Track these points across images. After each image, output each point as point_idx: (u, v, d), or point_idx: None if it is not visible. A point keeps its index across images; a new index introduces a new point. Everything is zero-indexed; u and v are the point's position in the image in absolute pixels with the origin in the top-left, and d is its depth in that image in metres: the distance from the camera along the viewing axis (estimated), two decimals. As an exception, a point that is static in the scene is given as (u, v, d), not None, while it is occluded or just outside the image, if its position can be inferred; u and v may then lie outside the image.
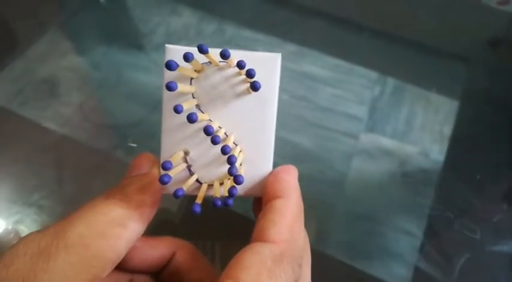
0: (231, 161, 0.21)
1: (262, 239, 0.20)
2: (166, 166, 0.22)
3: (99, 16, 0.63)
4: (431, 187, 0.48)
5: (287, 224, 0.21)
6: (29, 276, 0.18)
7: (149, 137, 0.49)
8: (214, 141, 0.21)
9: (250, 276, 0.18)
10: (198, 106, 0.24)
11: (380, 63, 0.61)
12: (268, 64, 0.24)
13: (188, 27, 0.61)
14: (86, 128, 0.49)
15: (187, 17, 0.63)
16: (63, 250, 0.19)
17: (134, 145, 0.48)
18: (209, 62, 0.24)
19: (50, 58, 0.56)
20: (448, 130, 0.54)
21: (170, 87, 0.21)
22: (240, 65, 0.22)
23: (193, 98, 0.24)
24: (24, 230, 0.41)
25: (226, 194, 0.23)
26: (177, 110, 0.21)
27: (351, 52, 0.62)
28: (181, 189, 0.23)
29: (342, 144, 0.51)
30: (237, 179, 0.22)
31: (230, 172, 0.22)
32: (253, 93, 0.24)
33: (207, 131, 0.21)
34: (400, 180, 0.49)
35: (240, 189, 0.25)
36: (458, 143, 0.53)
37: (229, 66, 0.24)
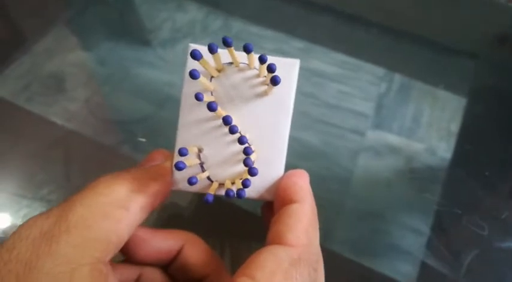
0: (246, 152, 0.22)
1: (279, 242, 0.20)
2: (182, 152, 0.22)
3: (105, 12, 0.63)
4: (439, 184, 0.48)
5: (303, 228, 0.21)
6: (31, 259, 0.17)
7: (156, 133, 0.49)
8: (232, 131, 0.21)
9: (266, 275, 0.18)
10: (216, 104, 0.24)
11: (387, 59, 0.61)
12: (287, 69, 0.25)
13: (194, 22, 0.61)
14: (93, 124, 0.49)
15: (193, 13, 0.63)
16: (65, 233, 0.18)
17: (143, 140, 0.48)
18: (230, 62, 0.24)
19: (57, 54, 0.56)
20: (455, 127, 0.54)
21: (193, 74, 0.21)
22: (262, 59, 0.22)
23: (212, 95, 0.25)
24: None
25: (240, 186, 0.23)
26: (198, 97, 0.21)
27: (358, 48, 0.62)
28: (194, 177, 0.22)
29: (349, 141, 0.51)
30: (252, 171, 0.22)
31: (245, 163, 0.22)
32: (271, 96, 0.24)
33: (226, 120, 0.21)
34: (407, 177, 0.49)
35: (250, 192, 0.25)
36: (465, 140, 0.53)
37: (249, 68, 0.24)
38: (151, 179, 0.23)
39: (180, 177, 0.24)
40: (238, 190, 0.23)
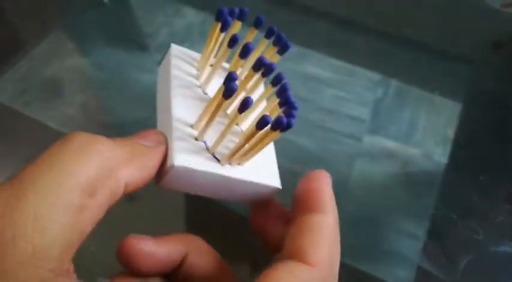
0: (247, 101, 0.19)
1: (299, 259, 0.18)
2: (233, 76, 0.19)
3: (103, 17, 0.63)
4: (434, 188, 0.48)
5: (326, 244, 0.19)
6: None
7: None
8: (232, 89, 0.19)
9: None
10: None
11: (383, 65, 0.61)
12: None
13: (191, 27, 0.62)
14: (90, 128, 0.49)
15: (190, 18, 0.63)
16: (11, 244, 0.14)
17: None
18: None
19: (54, 58, 0.56)
20: (451, 132, 0.54)
21: (231, 88, 0.19)
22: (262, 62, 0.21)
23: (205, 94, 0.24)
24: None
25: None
26: (233, 76, 0.19)
27: (354, 54, 0.62)
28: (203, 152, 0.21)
29: (345, 146, 0.51)
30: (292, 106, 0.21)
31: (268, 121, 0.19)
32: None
33: (231, 76, 0.19)
34: (403, 182, 0.49)
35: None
36: (461, 145, 0.53)
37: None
38: (141, 153, 0.19)
39: (184, 155, 0.20)
40: (288, 117, 0.20)
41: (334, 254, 0.19)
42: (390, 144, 0.52)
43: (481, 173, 0.49)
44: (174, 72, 0.23)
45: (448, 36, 0.65)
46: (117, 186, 0.18)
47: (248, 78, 0.21)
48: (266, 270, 0.17)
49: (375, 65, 0.61)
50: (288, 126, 0.20)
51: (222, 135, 0.21)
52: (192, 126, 0.22)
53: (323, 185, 0.22)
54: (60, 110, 0.51)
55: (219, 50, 0.24)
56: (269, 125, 0.19)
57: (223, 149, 0.21)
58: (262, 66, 0.21)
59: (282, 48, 0.23)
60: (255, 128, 0.19)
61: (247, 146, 0.20)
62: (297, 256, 0.18)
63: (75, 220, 0.16)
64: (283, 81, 0.22)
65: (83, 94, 0.53)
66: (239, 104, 0.20)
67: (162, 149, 0.20)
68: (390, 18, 0.67)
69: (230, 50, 0.23)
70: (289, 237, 0.20)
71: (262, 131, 0.19)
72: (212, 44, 0.24)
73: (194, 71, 0.24)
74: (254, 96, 0.21)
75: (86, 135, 0.18)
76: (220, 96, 0.20)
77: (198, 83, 0.24)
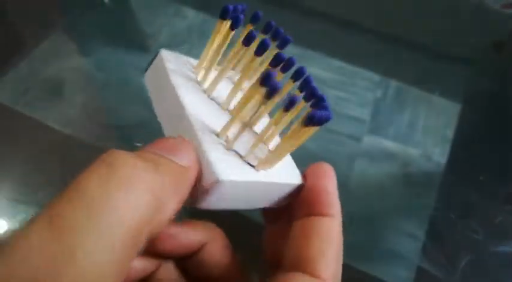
0: (292, 100, 0.18)
1: (305, 270, 0.17)
2: (272, 74, 0.18)
3: (103, 17, 0.63)
4: (434, 189, 0.48)
5: (335, 254, 0.18)
6: None
7: (153, 138, 0.49)
8: (277, 87, 0.17)
9: None
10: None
11: (383, 65, 0.61)
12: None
13: (192, 28, 0.62)
14: (90, 128, 0.49)
15: (191, 19, 0.63)
16: None
17: (140, 145, 0.48)
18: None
19: (55, 59, 0.56)
20: (450, 132, 0.54)
21: (275, 86, 0.17)
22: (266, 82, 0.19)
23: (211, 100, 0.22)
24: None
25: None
26: (272, 74, 0.17)
27: (355, 55, 0.62)
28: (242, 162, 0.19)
29: (345, 146, 0.52)
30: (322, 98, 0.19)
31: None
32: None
33: (270, 74, 0.17)
34: (403, 182, 0.49)
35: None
36: (460, 145, 0.53)
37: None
38: (182, 177, 0.16)
39: (226, 168, 0.17)
40: (325, 110, 0.19)
41: (340, 263, 0.18)
42: (390, 144, 0.53)
43: (481, 173, 0.50)
44: (174, 79, 0.21)
45: (448, 36, 0.65)
46: (165, 220, 0.16)
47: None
48: None
49: (374, 65, 0.61)
50: (327, 119, 0.18)
51: (259, 139, 0.19)
52: (217, 134, 0.19)
53: (330, 183, 0.20)
54: (61, 110, 0.51)
55: (226, 50, 0.22)
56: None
57: (253, 154, 0.20)
58: (280, 62, 0.19)
59: (282, 42, 0.22)
60: (297, 126, 0.18)
61: (284, 145, 0.19)
62: (304, 267, 0.17)
63: (124, 261, 0.13)
64: (305, 75, 0.21)
65: (84, 94, 0.53)
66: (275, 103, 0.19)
67: (198, 168, 0.17)
68: (390, 18, 0.67)
69: (243, 48, 0.22)
70: (293, 244, 0.18)
71: (305, 128, 0.18)
72: (218, 44, 0.22)
73: (193, 76, 0.22)
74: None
75: (128, 160, 0.15)
76: (257, 99, 0.19)
77: (201, 87, 0.22)
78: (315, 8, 0.67)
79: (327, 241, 0.18)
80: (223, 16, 0.21)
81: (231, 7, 0.21)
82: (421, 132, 0.54)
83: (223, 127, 0.19)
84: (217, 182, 0.16)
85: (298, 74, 0.21)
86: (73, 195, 0.13)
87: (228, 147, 0.19)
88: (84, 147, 0.48)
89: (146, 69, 0.23)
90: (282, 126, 0.20)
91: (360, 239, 0.44)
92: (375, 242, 0.44)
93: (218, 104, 0.22)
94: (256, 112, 0.19)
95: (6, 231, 0.42)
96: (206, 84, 0.22)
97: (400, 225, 0.45)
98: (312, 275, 0.17)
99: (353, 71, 0.60)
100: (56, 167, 0.46)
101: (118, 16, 0.65)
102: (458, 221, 0.45)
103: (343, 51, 0.62)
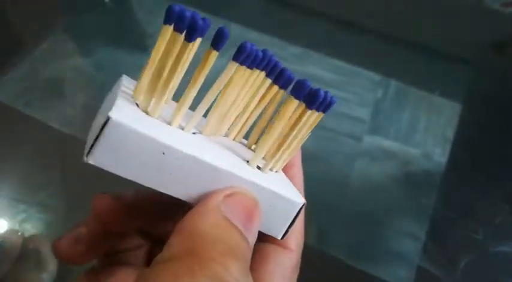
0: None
1: (279, 243, 0.18)
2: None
3: (104, 17, 0.63)
4: (434, 189, 0.48)
5: (301, 226, 0.19)
6: None
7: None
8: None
9: None
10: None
11: (383, 65, 0.61)
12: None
13: (192, 28, 0.62)
14: (90, 128, 0.49)
15: (191, 19, 0.63)
16: None
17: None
18: None
19: (55, 59, 0.56)
20: (450, 132, 0.54)
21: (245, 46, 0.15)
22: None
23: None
24: (30, 229, 0.42)
25: None
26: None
27: (355, 54, 0.62)
28: None
29: (345, 146, 0.52)
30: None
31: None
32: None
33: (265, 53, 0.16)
34: (403, 182, 0.49)
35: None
36: (460, 145, 0.53)
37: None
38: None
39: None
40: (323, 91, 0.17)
41: (303, 234, 0.19)
42: (390, 144, 0.53)
43: (481, 173, 0.50)
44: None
45: (448, 36, 0.65)
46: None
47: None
48: (257, 261, 0.17)
49: (375, 65, 0.61)
50: (326, 100, 0.17)
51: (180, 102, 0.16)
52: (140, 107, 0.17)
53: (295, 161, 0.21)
54: (61, 110, 0.51)
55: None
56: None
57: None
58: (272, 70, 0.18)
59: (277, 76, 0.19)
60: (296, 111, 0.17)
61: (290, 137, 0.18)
62: (278, 241, 0.18)
63: None
64: (269, 58, 0.18)
65: (84, 94, 0.53)
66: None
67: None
68: (390, 18, 0.67)
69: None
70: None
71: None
72: (173, 62, 0.16)
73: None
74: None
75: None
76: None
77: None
78: (315, 7, 0.67)
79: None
80: (169, 21, 0.16)
81: (177, 7, 0.15)
82: (422, 132, 0.54)
83: (143, 97, 0.16)
84: (108, 119, 0.14)
85: (273, 71, 0.18)
86: None
87: (144, 108, 0.16)
88: (84, 147, 0.48)
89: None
90: (199, 85, 0.16)
91: (360, 238, 0.44)
92: (375, 242, 0.44)
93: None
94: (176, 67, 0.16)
95: (7, 231, 0.42)
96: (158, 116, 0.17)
97: (401, 225, 0.45)
98: (284, 247, 0.18)
99: (353, 70, 0.60)
100: (56, 167, 0.46)
101: (118, 16, 0.65)
102: (458, 221, 0.45)
103: (344, 51, 0.62)
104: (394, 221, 0.46)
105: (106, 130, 0.14)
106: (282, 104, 0.18)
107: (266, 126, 0.19)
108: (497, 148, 0.54)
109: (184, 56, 0.16)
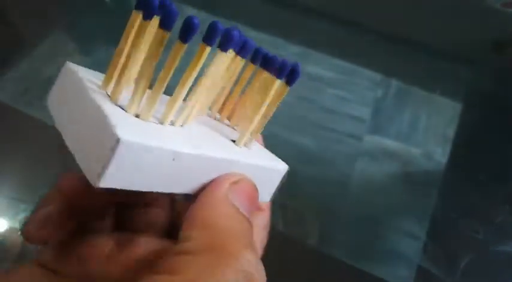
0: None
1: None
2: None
3: (104, 17, 0.63)
4: (435, 188, 0.48)
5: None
6: None
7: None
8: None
9: None
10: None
11: (384, 65, 0.61)
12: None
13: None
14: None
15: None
16: None
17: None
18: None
19: (56, 58, 0.56)
20: (451, 132, 0.54)
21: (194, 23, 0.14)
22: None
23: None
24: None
25: None
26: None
27: (355, 54, 0.62)
28: None
29: (346, 146, 0.52)
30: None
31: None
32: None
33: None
34: (404, 182, 0.49)
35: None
36: (461, 145, 0.53)
37: None
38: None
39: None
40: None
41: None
42: (391, 144, 0.53)
43: (481, 173, 0.49)
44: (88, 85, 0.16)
45: (448, 36, 0.65)
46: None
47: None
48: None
49: (375, 65, 0.61)
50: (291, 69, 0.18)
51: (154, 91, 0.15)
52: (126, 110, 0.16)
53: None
54: (61, 110, 0.51)
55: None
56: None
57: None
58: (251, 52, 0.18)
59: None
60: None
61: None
62: None
63: None
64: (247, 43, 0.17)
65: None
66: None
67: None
68: (390, 18, 0.67)
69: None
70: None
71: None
72: (145, 49, 0.16)
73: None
74: None
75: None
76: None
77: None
78: (316, 7, 0.67)
79: None
80: (149, 8, 0.15)
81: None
82: (422, 132, 0.54)
83: (130, 100, 0.15)
84: (118, 140, 0.13)
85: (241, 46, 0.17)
86: None
87: (130, 111, 0.15)
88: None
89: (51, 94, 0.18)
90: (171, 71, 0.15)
91: (361, 238, 0.44)
92: (376, 241, 0.44)
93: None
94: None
95: (8, 230, 0.42)
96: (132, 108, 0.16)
97: (401, 224, 0.45)
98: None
99: (354, 70, 0.60)
100: (57, 166, 0.46)
101: (118, 16, 0.65)
102: (458, 221, 0.45)
103: (344, 51, 0.62)
104: (394, 221, 0.46)
105: (117, 151, 0.13)
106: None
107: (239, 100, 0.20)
108: (498, 148, 0.54)
109: (145, 35, 0.15)
